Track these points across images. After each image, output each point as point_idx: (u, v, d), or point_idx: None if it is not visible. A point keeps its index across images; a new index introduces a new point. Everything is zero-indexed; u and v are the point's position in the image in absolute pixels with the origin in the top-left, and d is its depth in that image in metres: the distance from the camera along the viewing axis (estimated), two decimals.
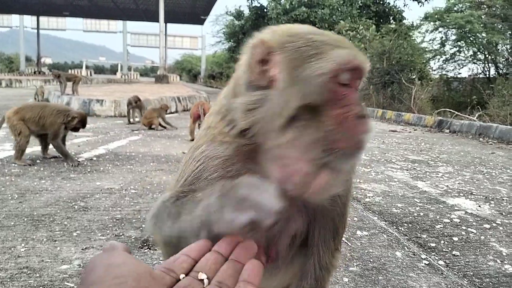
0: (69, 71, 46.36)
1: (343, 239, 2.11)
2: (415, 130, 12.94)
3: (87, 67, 67.39)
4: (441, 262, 3.23)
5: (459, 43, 23.60)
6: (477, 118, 13.28)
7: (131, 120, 10.88)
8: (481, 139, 10.98)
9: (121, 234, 3.42)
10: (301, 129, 0.89)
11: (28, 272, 2.72)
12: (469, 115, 13.76)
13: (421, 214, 4.38)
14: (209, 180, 1.04)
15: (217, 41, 44.25)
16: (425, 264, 3.17)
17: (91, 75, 48.49)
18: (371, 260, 3.19)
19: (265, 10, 34.02)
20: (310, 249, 1.26)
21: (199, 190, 0.99)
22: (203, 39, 59.04)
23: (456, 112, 14.30)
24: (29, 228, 3.44)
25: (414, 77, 18.95)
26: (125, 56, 54.63)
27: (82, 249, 3.10)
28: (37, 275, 2.69)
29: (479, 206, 4.75)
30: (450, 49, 24.36)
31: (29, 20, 64.57)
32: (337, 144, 0.87)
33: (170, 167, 5.91)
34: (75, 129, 5.96)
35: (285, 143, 0.89)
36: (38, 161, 5.92)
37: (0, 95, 20.14)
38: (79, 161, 5.90)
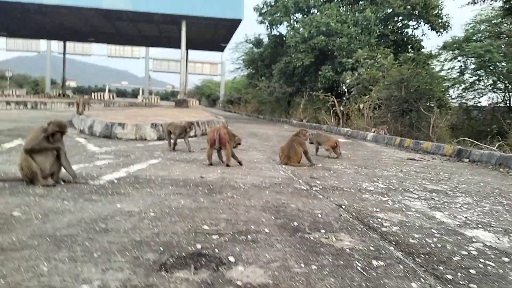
0: (93, 94, 47.58)
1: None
2: (433, 159, 12.82)
3: (109, 91, 69.22)
4: None
5: (478, 72, 23.50)
6: (497, 148, 13.10)
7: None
8: (501, 169, 10.81)
9: (140, 256, 3.50)
10: None
11: None
12: (489, 145, 13.59)
13: (439, 245, 4.34)
14: None
15: (236, 67, 45.12)
16: None
17: (113, 98, 49.78)
18: None
19: (283, 38, 34.65)
20: None
21: None
22: (223, 66, 60.25)
23: (476, 142, 14.15)
24: (52, 248, 3.55)
25: (432, 105, 18.89)
26: (146, 80, 56.12)
27: (102, 270, 3.19)
28: None
29: (498, 238, 4.68)
30: (470, 77, 24.25)
31: (56, 45, 67.15)
32: None
33: (187, 191, 6.01)
34: (54, 136, 5.77)
35: None
36: (62, 182, 6.10)
37: (26, 116, 20.83)
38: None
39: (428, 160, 12.29)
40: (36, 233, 3.88)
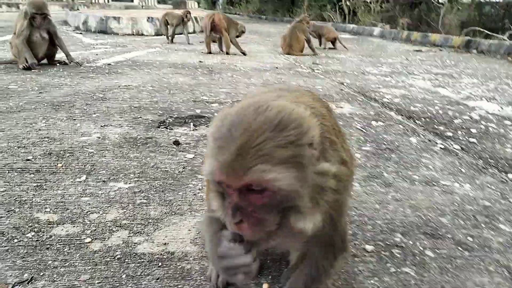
0: None
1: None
2: (441, 50, 12.41)
3: None
4: (456, 146, 3.21)
5: None
6: (507, 37, 12.59)
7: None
8: (509, 58, 10.49)
9: (139, 117, 3.49)
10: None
11: (49, 140, 2.84)
12: (499, 34, 13.05)
13: (440, 112, 4.31)
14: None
15: None
16: (440, 148, 3.16)
17: (108, 1, 47.42)
18: (385, 142, 3.20)
19: None
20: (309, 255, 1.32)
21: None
22: None
23: (487, 31, 13.56)
24: (49, 111, 3.54)
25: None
26: None
27: (101, 126, 3.20)
28: (58, 142, 2.81)
29: (501, 108, 4.63)
30: None
31: None
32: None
33: (186, 72, 5.88)
34: (35, 19, 5.42)
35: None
36: (57, 64, 5.96)
37: None
38: (78, 62, 5.88)
39: (435, 51, 11.91)
40: (33, 100, 3.85)
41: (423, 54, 10.89)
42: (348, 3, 22.48)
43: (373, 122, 3.73)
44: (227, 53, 8.30)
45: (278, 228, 1.03)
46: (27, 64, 5.33)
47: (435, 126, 3.76)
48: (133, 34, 12.18)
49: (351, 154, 1.33)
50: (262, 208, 0.99)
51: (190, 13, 10.64)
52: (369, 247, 1.79)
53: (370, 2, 20.20)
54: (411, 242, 1.85)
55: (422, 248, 1.81)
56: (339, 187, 1.12)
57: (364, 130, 3.47)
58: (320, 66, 7.41)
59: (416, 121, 3.91)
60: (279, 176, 0.94)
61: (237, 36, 8.59)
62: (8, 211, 1.91)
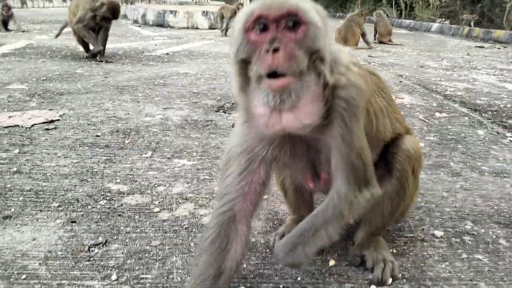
0: None
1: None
2: (505, 47, 11.69)
3: None
4: None
5: None
6: None
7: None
8: None
9: (198, 101, 3.57)
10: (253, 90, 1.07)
11: (116, 119, 2.97)
12: None
13: (508, 106, 4.06)
14: None
15: None
16: (510, 140, 2.98)
17: None
18: (450, 133, 3.06)
19: None
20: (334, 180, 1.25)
21: None
22: None
23: None
24: (115, 93, 3.70)
25: None
26: None
27: (163, 108, 3.30)
28: (124, 122, 2.93)
29: None
30: None
31: None
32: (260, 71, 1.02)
33: None
34: (106, 20, 5.45)
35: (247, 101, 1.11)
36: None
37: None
38: (108, 59, 5.53)
39: (499, 48, 11.23)
40: (99, 83, 4.05)
41: (486, 50, 10.33)
42: None
43: (437, 113, 3.58)
44: None
45: (307, 72, 1.06)
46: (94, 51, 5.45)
47: (503, 119, 3.55)
48: (188, 28, 12.46)
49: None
50: (295, 46, 1.04)
51: (242, 5, 10.69)
52: (438, 233, 1.72)
53: None
54: (483, 231, 1.76)
55: (495, 237, 1.72)
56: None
57: (427, 121, 3.34)
58: (376, 59, 7.22)
59: (483, 113, 3.71)
60: (310, 8, 1.07)
61: None
62: (81, 181, 2.02)
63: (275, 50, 1.01)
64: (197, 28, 12.59)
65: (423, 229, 1.75)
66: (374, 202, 1.28)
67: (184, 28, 12.42)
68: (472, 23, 15.47)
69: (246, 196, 1.23)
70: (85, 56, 5.51)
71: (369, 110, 1.27)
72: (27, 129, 2.69)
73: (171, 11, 12.53)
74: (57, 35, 6.45)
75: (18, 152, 2.31)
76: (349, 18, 8.97)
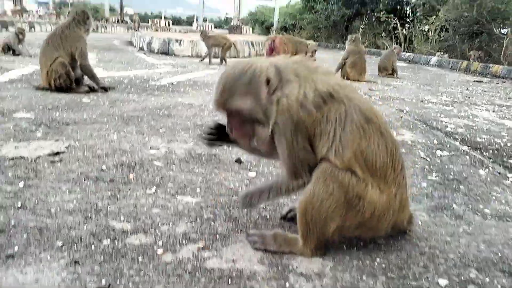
0: (149, 21, 47.73)
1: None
2: (503, 82, 11.85)
3: (165, 18, 68.92)
4: None
5: None
6: None
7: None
8: None
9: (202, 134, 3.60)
10: None
11: (121, 152, 2.99)
12: None
13: (508, 144, 4.10)
14: None
15: None
16: (511, 181, 3.00)
17: (169, 25, 49.88)
18: (452, 173, 3.08)
19: None
20: None
21: None
22: None
23: None
24: (120, 124, 3.74)
25: (507, 30, 17.09)
26: (201, 7, 55.10)
27: (168, 141, 3.33)
28: (129, 155, 2.95)
29: None
30: None
31: None
32: None
33: None
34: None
35: None
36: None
37: (89, 37, 21.45)
38: (107, 88, 5.38)
39: (497, 83, 11.39)
40: (105, 114, 4.09)
41: (485, 85, 10.47)
42: (404, 31, 22.20)
43: (438, 152, 3.61)
44: None
45: (253, 135, 1.75)
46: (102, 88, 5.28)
47: (504, 159, 3.58)
48: (193, 56, 12.65)
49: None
50: (241, 123, 1.72)
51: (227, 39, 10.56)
52: (443, 282, 1.71)
53: (428, 31, 19.82)
54: (487, 280, 1.75)
55: (500, 287, 1.71)
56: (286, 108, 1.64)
57: (428, 159, 3.37)
58: (377, 92, 7.32)
59: (484, 152, 3.74)
60: (240, 102, 1.64)
61: (311, 55, 8.57)
62: (85, 218, 2.02)
63: (231, 131, 1.76)
64: (201, 56, 12.79)
65: (427, 277, 1.74)
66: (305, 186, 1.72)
67: (188, 56, 12.62)
68: (477, 59, 15.61)
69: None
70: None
71: (315, 131, 1.67)
72: (33, 160, 2.71)
73: (177, 40, 12.76)
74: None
75: (23, 186, 2.32)
76: (363, 51, 9.09)
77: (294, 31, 46.21)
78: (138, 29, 16.09)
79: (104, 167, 2.68)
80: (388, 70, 10.49)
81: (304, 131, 1.65)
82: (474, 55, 15.58)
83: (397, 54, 10.79)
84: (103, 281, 1.55)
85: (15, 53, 9.27)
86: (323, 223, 1.70)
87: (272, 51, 8.21)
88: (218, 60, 10.34)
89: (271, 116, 1.66)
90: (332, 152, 1.65)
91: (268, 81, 1.63)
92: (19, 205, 2.09)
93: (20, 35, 9.49)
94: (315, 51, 8.70)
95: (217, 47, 10.33)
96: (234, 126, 1.74)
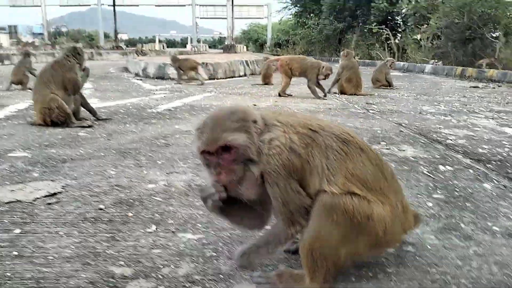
0: (142, 45, 48.22)
1: None
2: (499, 86, 11.88)
3: (160, 41, 69.72)
4: None
5: None
6: None
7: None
8: None
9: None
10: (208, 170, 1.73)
11: (119, 188, 2.94)
12: None
13: (511, 154, 4.05)
14: None
15: (283, 6, 43.38)
16: None
17: (164, 48, 50.33)
18: (457, 190, 3.02)
19: None
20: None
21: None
22: (269, 7, 58.32)
23: None
24: (117, 158, 3.70)
25: (497, 34, 17.21)
26: (194, 29, 55.63)
27: (167, 173, 3.28)
28: (127, 191, 2.90)
29: None
30: None
31: None
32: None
33: None
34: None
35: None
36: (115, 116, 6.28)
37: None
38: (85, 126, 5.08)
39: (494, 87, 11.42)
40: (102, 147, 4.05)
41: (481, 90, 10.51)
42: (397, 41, 22.39)
43: (440, 167, 3.56)
44: (279, 95, 8.45)
45: (243, 176, 1.65)
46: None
47: (508, 170, 3.53)
48: (188, 79, 12.70)
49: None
50: (231, 163, 1.63)
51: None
52: None
53: (421, 39, 19.97)
54: None
55: None
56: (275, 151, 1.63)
57: (432, 175, 3.32)
58: (374, 106, 7.31)
59: (487, 164, 3.69)
60: (236, 137, 1.59)
61: (323, 78, 8.26)
62: (83, 264, 1.96)
63: (220, 173, 1.65)
64: (197, 79, 12.83)
65: None
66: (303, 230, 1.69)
67: (184, 79, 12.66)
68: (487, 65, 15.54)
69: None
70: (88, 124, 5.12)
71: (306, 171, 1.67)
72: (29, 204, 2.65)
73: (171, 65, 12.82)
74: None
75: (20, 233, 2.26)
76: (357, 66, 9.17)
77: (288, 46, 46.66)
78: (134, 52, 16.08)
79: (102, 206, 2.63)
80: (381, 82, 10.58)
81: (296, 175, 1.65)
82: (485, 63, 15.54)
83: (390, 66, 10.92)
84: None
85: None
86: (333, 255, 1.65)
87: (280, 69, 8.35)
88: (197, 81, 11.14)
89: (262, 156, 1.63)
90: (325, 183, 1.64)
91: (255, 122, 1.67)
92: (16, 254, 2.03)
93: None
94: (329, 74, 8.23)
95: (185, 69, 11.20)
96: (224, 165, 1.62)
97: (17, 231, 2.28)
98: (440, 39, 19.33)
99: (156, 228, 2.33)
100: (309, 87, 8.27)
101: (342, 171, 1.65)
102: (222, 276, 1.87)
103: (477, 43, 17.20)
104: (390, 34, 22.98)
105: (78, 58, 5.10)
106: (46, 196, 2.79)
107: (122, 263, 1.97)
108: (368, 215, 1.62)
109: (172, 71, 12.82)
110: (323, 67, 8.03)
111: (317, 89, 8.28)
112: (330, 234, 1.62)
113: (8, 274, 1.86)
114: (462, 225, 2.43)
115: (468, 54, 17.34)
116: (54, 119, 4.91)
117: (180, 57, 12.04)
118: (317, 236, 1.62)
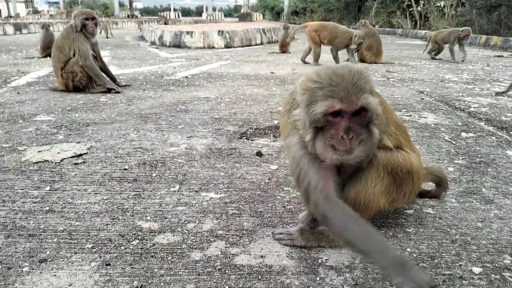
0: (159, 13, 47.75)
1: None
2: None
3: (174, 10, 68.94)
4: None
5: None
6: None
7: None
8: None
9: (220, 128, 3.60)
10: (319, 137, 1.51)
11: (142, 151, 3.01)
12: None
13: None
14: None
15: None
16: None
17: (179, 17, 49.83)
18: (479, 156, 3.00)
19: None
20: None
21: None
22: None
23: None
24: (139, 122, 3.76)
25: None
26: None
27: (187, 137, 3.33)
28: (150, 153, 2.96)
29: None
30: None
31: None
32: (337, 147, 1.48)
33: (260, 83, 5.98)
34: (86, 26, 4.98)
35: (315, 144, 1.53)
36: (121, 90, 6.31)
37: (101, 35, 21.60)
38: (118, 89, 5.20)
39: None
40: (123, 112, 4.11)
41: (506, 59, 10.17)
42: (419, 8, 21.68)
43: (463, 134, 3.52)
44: (302, 61, 8.44)
45: (366, 138, 1.50)
46: (110, 89, 5.14)
47: None
48: (205, 47, 12.63)
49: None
50: (359, 125, 1.47)
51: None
52: (476, 269, 1.67)
53: (444, 7, 19.29)
54: None
55: None
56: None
57: (453, 142, 3.29)
58: (395, 74, 7.18)
59: (510, 132, 3.63)
60: (371, 100, 1.47)
61: (357, 49, 7.99)
62: (112, 219, 2.04)
63: (348, 135, 1.44)
64: (213, 47, 12.76)
65: (460, 265, 1.70)
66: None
67: (200, 48, 12.60)
68: None
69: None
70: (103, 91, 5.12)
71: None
72: (57, 164, 2.74)
73: (188, 32, 12.74)
74: None
75: (49, 190, 2.35)
76: (375, 33, 8.90)
77: (305, 14, 45.64)
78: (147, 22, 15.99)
79: (126, 166, 2.70)
80: (381, 56, 9.04)
81: None
82: None
83: (464, 38, 9.39)
84: (135, 282, 1.57)
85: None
86: (376, 205, 1.75)
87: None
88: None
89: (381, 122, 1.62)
90: (384, 138, 1.74)
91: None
92: (47, 209, 2.12)
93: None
94: (361, 43, 7.84)
95: None
96: (355, 129, 1.45)
97: (47, 188, 2.37)
98: (464, 6, 18.60)
99: (179, 188, 2.40)
100: (332, 53, 8.04)
101: (391, 123, 1.80)
102: (245, 232, 1.93)
103: (503, 11, 16.51)
104: (412, 1, 22.20)
105: (86, 26, 4.94)
106: (72, 156, 2.87)
107: (149, 218, 2.04)
108: (409, 169, 1.77)
109: (188, 39, 12.74)
110: (355, 35, 7.67)
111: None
112: (376, 186, 1.72)
113: (42, 226, 1.95)
114: (483, 190, 2.43)
115: (493, 22, 16.69)
116: (76, 83, 4.98)
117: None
118: (364, 188, 1.71)
